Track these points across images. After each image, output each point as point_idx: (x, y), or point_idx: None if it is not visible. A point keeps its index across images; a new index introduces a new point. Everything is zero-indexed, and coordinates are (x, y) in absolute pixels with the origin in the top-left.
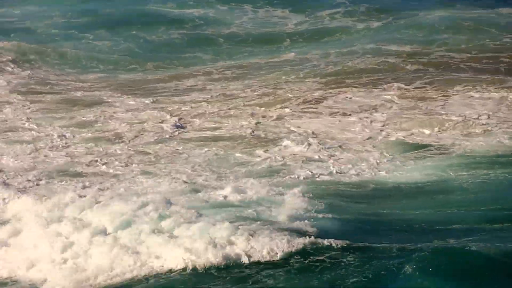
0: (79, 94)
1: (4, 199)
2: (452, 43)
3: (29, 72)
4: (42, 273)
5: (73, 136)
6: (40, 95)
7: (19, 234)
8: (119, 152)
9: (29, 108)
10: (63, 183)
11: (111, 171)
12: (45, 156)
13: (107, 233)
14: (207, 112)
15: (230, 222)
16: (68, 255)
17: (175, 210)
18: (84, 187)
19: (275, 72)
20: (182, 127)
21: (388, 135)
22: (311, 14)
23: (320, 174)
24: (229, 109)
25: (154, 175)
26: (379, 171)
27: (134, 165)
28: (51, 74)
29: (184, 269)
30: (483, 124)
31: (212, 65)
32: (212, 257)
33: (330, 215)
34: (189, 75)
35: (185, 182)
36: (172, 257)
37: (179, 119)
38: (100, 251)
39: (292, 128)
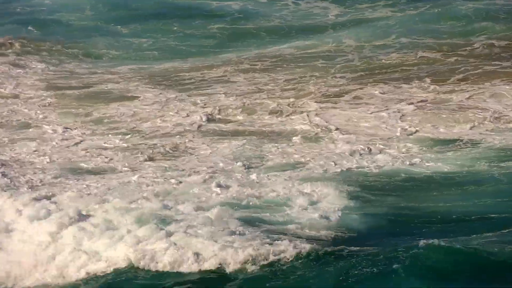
0: (106, 87)
1: (6, 197)
2: (491, 33)
3: (55, 67)
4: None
5: (92, 131)
6: (64, 90)
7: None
8: (135, 146)
9: (49, 104)
10: (72, 180)
11: (121, 168)
12: (56, 152)
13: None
14: (230, 105)
15: (244, 223)
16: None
17: (181, 211)
18: (87, 186)
19: (306, 66)
20: (212, 119)
21: (416, 130)
22: (351, 6)
23: (344, 168)
24: (253, 102)
25: (168, 170)
26: (406, 163)
27: (149, 161)
28: (79, 69)
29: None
30: None
31: (245, 57)
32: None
33: (355, 210)
34: (218, 66)
35: (204, 180)
36: (167, 260)
37: (204, 113)
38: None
39: (316, 122)
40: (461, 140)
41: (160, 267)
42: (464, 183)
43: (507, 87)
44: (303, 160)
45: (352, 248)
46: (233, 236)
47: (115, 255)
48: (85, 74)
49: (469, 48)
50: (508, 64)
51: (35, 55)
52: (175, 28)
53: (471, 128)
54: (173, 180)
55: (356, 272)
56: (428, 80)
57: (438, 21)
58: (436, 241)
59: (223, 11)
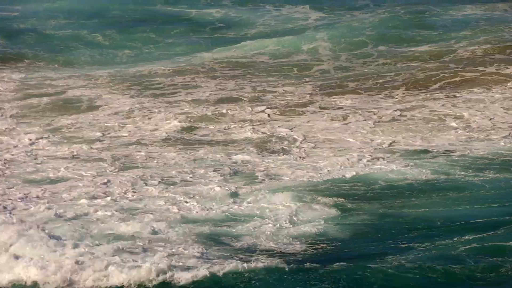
0: (76, 96)
1: None
2: (472, 38)
3: (26, 75)
4: None
5: (54, 141)
6: (31, 99)
7: None
8: (97, 156)
9: (11, 115)
10: (19, 191)
11: (79, 178)
12: (12, 163)
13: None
14: (197, 113)
15: (208, 238)
16: None
17: (137, 226)
18: (34, 197)
19: (279, 74)
20: (179, 128)
21: (392, 140)
22: (330, 12)
23: (318, 178)
24: (222, 111)
25: (127, 181)
26: (383, 171)
27: (110, 171)
28: (51, 77)
29: None
30: (489, 129)
31: (219, 64)
32: None
33: (333, 220)
34: (191, 73)
35: (166, 192)
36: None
37: (171, 121)
38: None
39: (285, 132)
40: (437, 149)
41: None
42: (444, 190)
43: (485, 95)
44: (274, 170)
45: (325, 265)
46: (193, 253)
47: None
48: (55, 81)
49: (453, 55)
50: (492, 70)
51: (6, 64)
52: (153, 36)
53: (448, 137)
54: (132, 193)
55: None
56: (404, 88)
57: (416, 29)
58: (407, 261)
59: (204, 19)
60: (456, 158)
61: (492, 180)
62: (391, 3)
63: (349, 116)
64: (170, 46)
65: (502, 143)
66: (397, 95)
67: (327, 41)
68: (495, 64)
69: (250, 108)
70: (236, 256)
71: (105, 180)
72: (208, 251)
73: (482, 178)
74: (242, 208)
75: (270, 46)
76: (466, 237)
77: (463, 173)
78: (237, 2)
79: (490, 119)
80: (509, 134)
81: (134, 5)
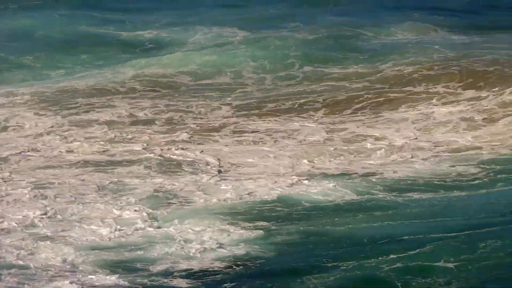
0: None
1: None
2: (399, 60)
3: None
4: None
5: None
6: None
7: None
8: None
9: None
10: None
11: None
12: None
13: None
14: (104, 135)
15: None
16: None
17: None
18: None
19: (198, 96)
20: (82, 150)
21: (313, 164)
22: (258, 31)
23: (227, 200)
24: (127, 133)
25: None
26: (302, 193)
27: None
28: None
29: None
30: (410, 150)
31: (136, 83)
32: None
33: (254, 242)
34: (108, 92)
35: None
36: None
37: (76, 143)
38: None
39: (196, 156)
40: (358, 171)
41: None
42: (368, 209)
43: (408, 115)
44: (189, 194)
45: (245, 284)
46: (104, 282)
47: None
48: None
49: (380, 74)
50: (420, 90)
51: None
52: (84, 57)
53: (369, 159)
54: (40, 218)
55: None
56: (325, 110)
57: (343, 51)
58: (329, 284)
59: (136, 39)
60: (378, 179)
61: (416, 199)
62: (320, 26)
63: (266, 139)
64: (101, 68)
65: (423, 165)
66: (317, 117)
67: (252, 61)
68: (423, 84)
69: (165, 131)
70: (152, 282)
71: (11, 204)
72: (121, 278)
73: (405, 198)
74: (158, 232)
75: (193, 65)
76: (392, 256)
77: (386, 193)
78: (170, 24)
79: (413, 139)
80: (431, 156)
81: (60, 27)
